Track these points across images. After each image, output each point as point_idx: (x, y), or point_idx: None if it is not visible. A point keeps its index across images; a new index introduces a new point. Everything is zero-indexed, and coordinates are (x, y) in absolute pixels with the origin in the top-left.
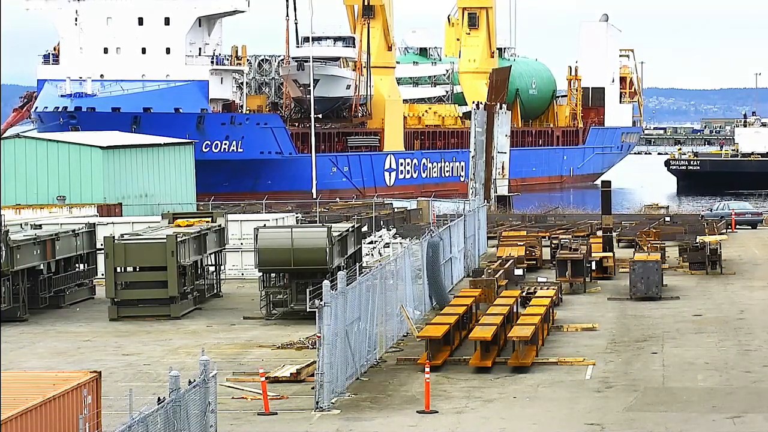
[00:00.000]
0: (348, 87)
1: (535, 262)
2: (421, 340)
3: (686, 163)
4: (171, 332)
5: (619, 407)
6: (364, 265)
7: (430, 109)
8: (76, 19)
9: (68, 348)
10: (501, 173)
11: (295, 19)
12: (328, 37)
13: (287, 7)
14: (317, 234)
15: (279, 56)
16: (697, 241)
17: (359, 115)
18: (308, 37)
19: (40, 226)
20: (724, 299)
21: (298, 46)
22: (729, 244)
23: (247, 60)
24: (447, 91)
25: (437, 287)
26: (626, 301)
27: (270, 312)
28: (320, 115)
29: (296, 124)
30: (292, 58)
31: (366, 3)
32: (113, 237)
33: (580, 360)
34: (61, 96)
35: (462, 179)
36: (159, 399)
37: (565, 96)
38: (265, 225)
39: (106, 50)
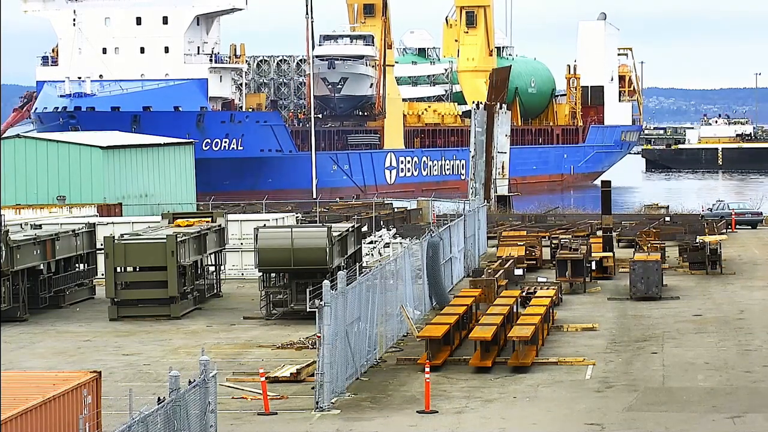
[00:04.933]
0: (371, 86)
1: (535, 262)
2: (421, 340)
3: None
4: (171, 332)
5: (619, 407)
6: (364, 265)
7: (429, 107)
8: (74, 20)
9: (68, 348)
10: (501, 173)
11: (312, 18)
12: (348, 36)
13: (306, 6)
14: (317, 234)
15: (278, 56)
16: (697, 241)
17: (379, 113)
18: (329, 36)
19: (40, 226)
20: (724, 299)
21: (317, 45)
22: (729, 244)
23: (246, 61)
24: (446, 90)
25: (437, 287)
26: (626, 301)
27: (270, 312)
28: (319, 115)
29: (321, 123)
30: (317, 56)
31: (384, 2)
32: (113, 237)
33: (580, 360)
34: (61, 96)
35: (462, 177)
36: (159, 399)
37: (564, 95)
38: (265, 225)
39: (104, 50)
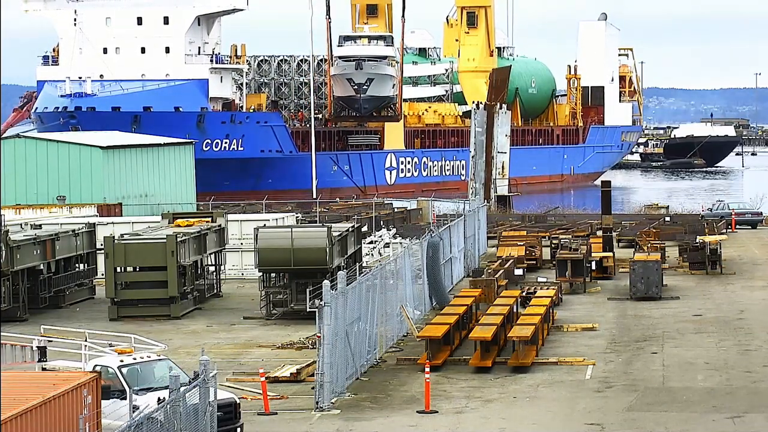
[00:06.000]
0: (393, 86)
1: (535, 262)
2: (421, 340)
3: None
4: (171, 332)
5: (619, 407)
6: (364, 265)
7: (430, 107)
8: (75, 20)
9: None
10: (501, 173)
11: (330, 18)
12: (368, 36)
13: (327, 6)
14: (317, 234)
15: (278, 56)
16: (697, 241)
17: (400, 114)
18: (349, 36)
19: (40, 226)
20: (724, 299)
21: (337, 46)
22: (729, 244)
23: (247, 60)
24: (447, 91)
25: (437, 287)
26: (626, 301)
27: (270, 312)
28: (319, 116)
29: (338, 123)
30: (340, 57)
31: (403, 4)
32: (113, 237)
33: (580, 360)
34: (61, 96)
35: (462, 177)
36: (159, 399)
37: (565, 95)
38: (265, 225)
39: (105, 50)
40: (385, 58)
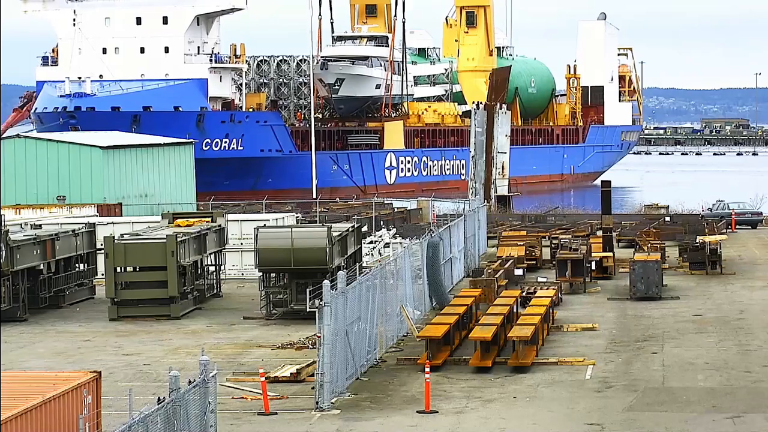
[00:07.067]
0: (378, 86)
1: (535, 262)
2: (421, 340)
3: None
4: (171, 332)
5: (619, 407)
6: (364, 265)
7: (429, 107)
8: (74, 20)
9: (68, 348)
10: (501, 173)
11: (331, 18)
12: (361, 36)
13: (320, 7)
14: (317, 234)
15: (278, 56)
16: (697, 241)
17: (392, 115)
18: (342, 36)
19: (40, 226)
20: (724, 299)
21: (330, 45)
22: (729, 244)
23: (246, 61)
24: (446, 90)
25: (437, 287)
26: (626, 301)
27: (270, 312)
28: (318, 115)
29: (328, 123)
30: (323, 57)
31: (400, 4)
32: (113, 237)
33: (580, 360)
34: (61, 96)
35: (462, 177)
36: (159, 399)
37: (564, 95)
38: (265, 225)
39: (104, 50)
40: (365, 58)
